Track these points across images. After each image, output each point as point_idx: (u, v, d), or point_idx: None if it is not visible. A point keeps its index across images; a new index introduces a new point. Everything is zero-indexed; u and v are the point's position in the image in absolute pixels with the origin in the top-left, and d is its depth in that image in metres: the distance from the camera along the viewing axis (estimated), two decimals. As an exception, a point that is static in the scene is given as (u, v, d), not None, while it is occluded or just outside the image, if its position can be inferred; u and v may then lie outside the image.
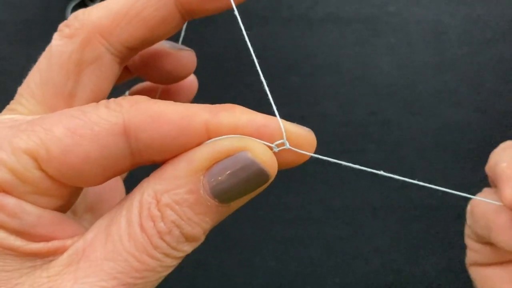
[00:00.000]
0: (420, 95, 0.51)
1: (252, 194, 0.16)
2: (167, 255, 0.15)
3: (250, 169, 0.16)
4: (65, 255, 0.15)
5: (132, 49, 0.19)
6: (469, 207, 0.24)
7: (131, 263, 0.15)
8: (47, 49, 0.18)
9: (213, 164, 0.15)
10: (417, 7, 0.54)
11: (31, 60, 0.44)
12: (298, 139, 0.16)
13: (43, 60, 0.19)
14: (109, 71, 0.19)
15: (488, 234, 0.22)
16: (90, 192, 0.20)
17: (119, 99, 0.16)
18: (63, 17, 0.55)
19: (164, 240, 0.15)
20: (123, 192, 0.22)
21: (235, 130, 0.16)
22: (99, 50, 0.19)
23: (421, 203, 0.48)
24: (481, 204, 0.23)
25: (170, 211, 0.15)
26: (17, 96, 0.19)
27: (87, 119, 0.16)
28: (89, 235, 0.15)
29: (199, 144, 0.16)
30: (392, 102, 0.51)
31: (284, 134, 0.16)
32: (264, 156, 0.15)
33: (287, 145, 0.16)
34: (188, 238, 0.15)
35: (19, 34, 0.54)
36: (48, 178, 0.16)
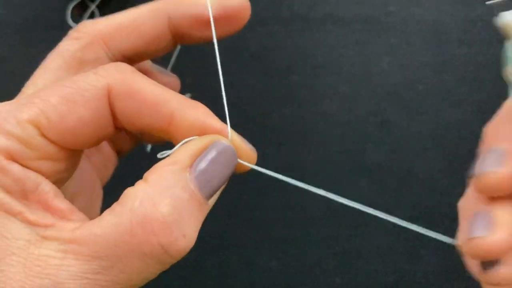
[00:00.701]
0: (420, 95, 0.51)
1: (221, 189, 0.18)
2: (156, 259, 0.16)
3: (228, 153, 0.18)
4: (57, 242, 0.16)
5: (129, 59, 0.22)
6: None
7: (118, 265, 0.16)
8: (55, 48, 0.22)
9: (194, 160, 0.18)
10: (417, 7, 0.54)
11: (31, 60, 0.45)
12: (241, 152, 0.19)
13: (49, 57, 0.22)
14: None
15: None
16: (70, 185, 0.22)
17: (108, 65, 0.19)
18: (63, 18, 0.55)
19: (161, 244, 0.16)
20: (100, 189, 0.24)
21: (192, 128, 0.18)
22: (99, 53, 0.21)
23: (421, 203, 0.49)
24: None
25: (171, 210, 0.16)
26: (23, 89, 0.22)
27: (77, 86, 0.18)
28: (79, 234, 0.16)
29: (162, 124, 0.19)
30: (392, 102, 0.51)
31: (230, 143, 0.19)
32: (237, 141, 0.19)
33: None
34: (187, 240, 0.17)
35: (19, 34, 0.54)
36: (50, 143, 0.18)
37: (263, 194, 0.49)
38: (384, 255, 0.47)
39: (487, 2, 0.20)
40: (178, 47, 0.26)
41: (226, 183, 0.19)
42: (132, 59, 0.22)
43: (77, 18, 0.55)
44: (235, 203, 0.49)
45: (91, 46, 0.21)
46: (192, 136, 0.18)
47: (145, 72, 0.23)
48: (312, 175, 0.49)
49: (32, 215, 0.17)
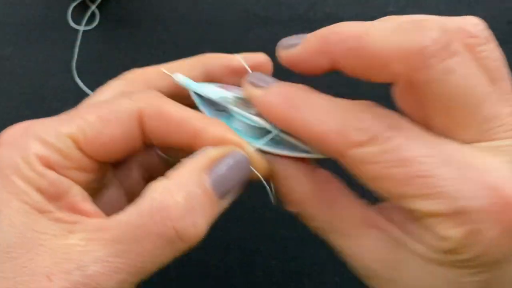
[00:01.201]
0: (419, 95, 0.52)
1: (236, 192, 0.22)
2: (169, 243, 0.18)
3: (240, 161, 0.21)
4: (83, 233, 0.19)
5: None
6: None
7: (135, 248, 0.18)
8: (102, 86, 0.25)
9: (213, 164, 0.20)
10: (416, 8, 0.54)
11: (32, 60, 0.46)
12: (256, 162, 0.22)
13: (97, 91, 0.25)
14: None
15: None
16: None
17: (140, 91, 0.22)
18: (64, 18, 0.55)
19: (174, 228, 0.18)
20: None
21: (214, 142, 0.21)
22: (139, 87, 0.25)
23: (420, 202, 0.49)
24: None
25: (184, 201, 0.19)
26: (78, 107, 0.24)
27: (112, 108, 0.21)
28: (104, 222, 0.19)
29: (189, 141, 0.21)
30: (391, 102, 0.51)
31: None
32: (246, 154, 0.21)
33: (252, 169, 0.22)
34: (197, 228, 0.19)
35: (20, 34, 0.54)
36: (85, 156, 0.21)
37: (263, 193, 0.49)
38: (383, 254, 0.47)
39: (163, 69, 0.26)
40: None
41: (239, 188, 0.22)
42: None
43: (78, 19, 0.55)
44: (234, 203, 0.49)
45: (133, 82, 0.25)
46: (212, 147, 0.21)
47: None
48: (312, 175, 0.49)
49: (60, 214, 0.19)
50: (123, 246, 0.18)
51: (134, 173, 0.28)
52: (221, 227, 0.51)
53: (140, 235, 0.18)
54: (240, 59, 0.26)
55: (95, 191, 0.23)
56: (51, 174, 0.19)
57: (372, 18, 0.59)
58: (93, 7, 0.55)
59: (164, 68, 0.25)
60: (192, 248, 0.20)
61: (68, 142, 0.20)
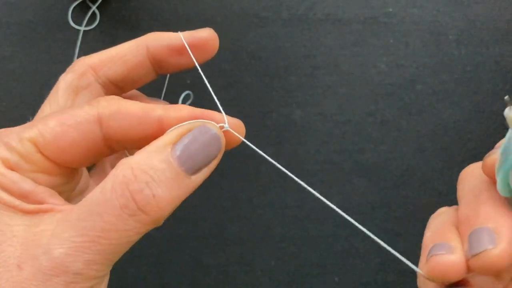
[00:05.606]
0: (418, 95, 0.52)
1: (209, 167, 0.21)
2: (131, 215, 0.18)
3: (208, 134, 0.20)
4: (52, 218, 0.19)
5: (116, 85, 0.27)
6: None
7: (99, 223, 0.18)
8: (56, 84, 0.26)
9: (178, 139, 0.20)
10: (415, 8, 0.54)
11: (33, 60, 0.46)
12: (234, 126, 0.22)
13: (52, 90, 0.26)
14: (97, 96, 0.26)
15: None
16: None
17: (99, 98, 0.22)
18: (64, 18, 0.55)
19: (134, 200, 0.18)
20: None
21: (180, 121, 0.21)
22: (90, 79, 0.26)
23: (420, 201, 0.49)
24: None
25: (144, 174, 0.19)
26: (35, 116, 0.26)
27: (72, 113, 0.21)
28: (73, 207, 0.19)
29: (154, 132, 0.21)
30: (390, 102, 0.52)
31: (225, 118, 0.21)
32: (215, 127, 0.21)
33: (227, 127, 0.22)
34: (157, 200, 0.18)
35: (21, 35, 0.54)
36: (46, 159, 0.21)
37: (262, 193, 0.49)
38: (383, 254, 0.48)
39: (505, 97, 0.22)
40: (167, 78, 0.33)
41: (211, 162, 0.21)
42: (119, 85, 0.27)
43: (78, 19, 0.55)
44: (234, 202, 0.49)
45: (83, 75, 0.26)
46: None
47: (137, 99, 0.27)
48: (311, 175, 0.49)
49: (30, 206, 0.20)
50: (86, 223, 0.18)
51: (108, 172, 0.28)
52: (221, 227, 0.51)
53: (102, 210, 0.18)
54: (181, 37, 0.26)
55: (67, 195, 0.24)
56: (14, 175, 0.20)
57: (372, 18, 0.59)
58: (94, 8, 0.55)
59: (107, 54, 0.26)
60: (160, 225, 0.20)
61: (29, 146, 0.20)
